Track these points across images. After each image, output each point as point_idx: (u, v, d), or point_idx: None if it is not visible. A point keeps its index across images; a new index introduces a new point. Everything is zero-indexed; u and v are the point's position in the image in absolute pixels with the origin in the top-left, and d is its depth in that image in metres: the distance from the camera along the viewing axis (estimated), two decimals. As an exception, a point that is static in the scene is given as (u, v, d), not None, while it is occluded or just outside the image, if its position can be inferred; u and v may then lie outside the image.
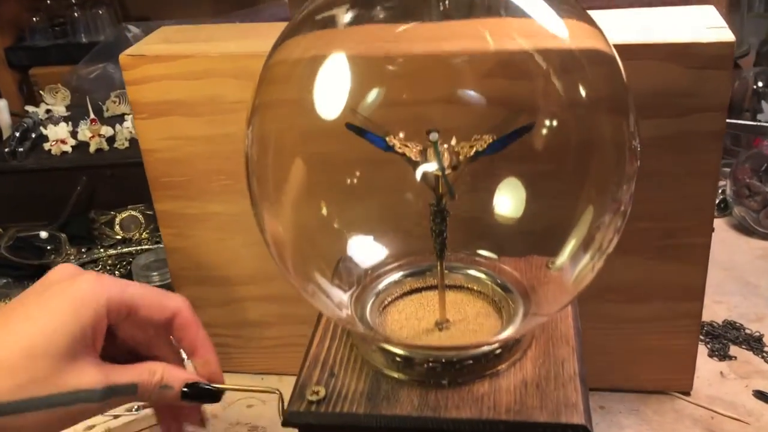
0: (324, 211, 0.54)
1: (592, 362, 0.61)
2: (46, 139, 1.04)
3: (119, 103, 1.15)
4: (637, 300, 0.69)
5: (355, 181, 0.53)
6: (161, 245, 0.86)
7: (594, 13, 0.66)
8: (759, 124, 0.88)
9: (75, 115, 1.14)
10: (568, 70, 0.52)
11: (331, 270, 0.54)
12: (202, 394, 0.51)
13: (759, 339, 0.78)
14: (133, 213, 0.98)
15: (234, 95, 0.66)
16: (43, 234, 0.95)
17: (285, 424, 0.49)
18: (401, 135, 0.48)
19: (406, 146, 0.48)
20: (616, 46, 0.59)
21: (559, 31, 0.52)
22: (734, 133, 1.08)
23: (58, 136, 1.02)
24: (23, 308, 0.46)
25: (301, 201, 0.53)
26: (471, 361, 0.49)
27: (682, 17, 0.63)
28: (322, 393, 0.49)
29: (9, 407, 0.43)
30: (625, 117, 0.52)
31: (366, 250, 0.57)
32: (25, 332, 0.44)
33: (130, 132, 1.04)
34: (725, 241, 0.95)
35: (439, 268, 0.53)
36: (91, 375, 0.45)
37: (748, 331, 0.79)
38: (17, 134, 1.06)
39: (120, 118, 1.11)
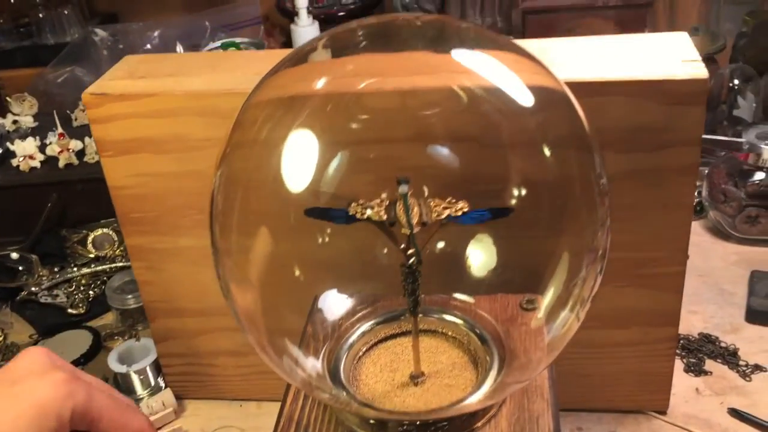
0: (295, 272, 0.53)
1: (569, 384, 0.61)
2: (13, 154, 1.01)
3: (88, 111, 1.12)
4: (614, 326, 0.69)
5: (327, 239, 0.52)
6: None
7: (564, 42, 0.65)
8: (732, 140, 0.87)
9: (43, 125, 1.11)
10: (527, 113, 0.51)
11: (299, 333, 0.54)
12: None
13: (734, 353, 0.79)
14: (106, 231, 0.97)
15: (201, 133, 0.65)
16: (14, 255, 0.94)
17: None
18: (362, 201, 0.47)
19: (371, 208, 0.47)
20: (586, 83, 0.59)
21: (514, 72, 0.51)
22: (710, 129, 1.08)
23: (26, 151, 1.00)
24: None
25: (267, 263, 0.52)
26: (446, 423, 0.49)
27: (656, 48, 0.62)
28: (298, 458, 0.49)
29: None
30: (589, 156, 0.51)
31: (337, 302, 0.56)
32: None
33: (100, 144, 1.02)
34: (701, 246, 0.95)
35: (413, 325, 0.52)
36: None
37: (723, 344, 0.80)
38: (-16, 150, 1.04)
39: (89, 129, 1.08)
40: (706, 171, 0.97)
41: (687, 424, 0.72)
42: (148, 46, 1.16)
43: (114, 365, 0.78)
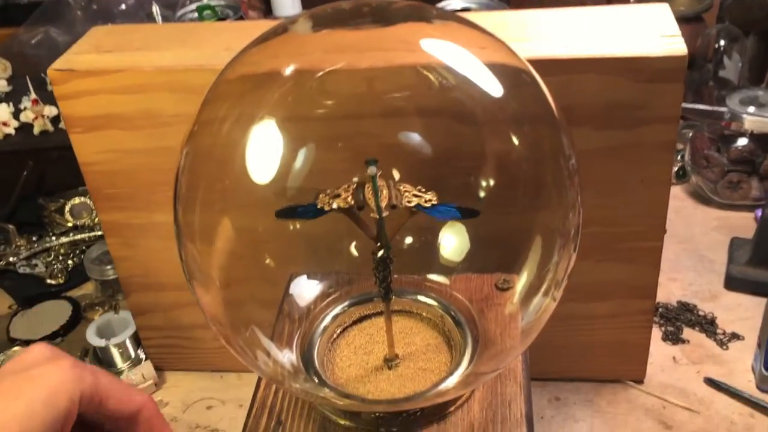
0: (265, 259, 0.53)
1: (546, 354, 0.62)
2: (-14, 121, 1.00)
3: (63, 73, 1.10)
4: (591, 299, 0.69)
5: (297, 225, 0.51)
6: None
7: (541, 15, 0.64)
8: (714, 109, 0.86)
9: (17, 89, 1.09)
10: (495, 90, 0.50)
11: (267, 323, 0.53)
12: None
13: (712, 321, 0.79)
14: (84, 199, 0.96)
15: (171, 109, 0.63)
16: (-9, 225, 0.93)
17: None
18: (329, 191, 0.47)
19: (339, 196, 0.47)
20: (562, 60, 0.57)
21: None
22: (696, 89, 1.07)
23: (0, 118, 0.98)
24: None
25: (232, 250, 0.51)
26: (419, 411, 0.49)
27: (634, 22, 0.60)
28: (270, 445, 0.49)
29: None
30: (557, 138, 0.51)
31: (309, 285, 0.56)
32: (2, 424, 0.43)
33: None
34: (682, 211, 0.94)
35: (385, 311, 0.52)
36: None
37: (701, 313, 0.80)
38: (-44, 116, 1.02)
39: (64, 93, 1.06)
40: (690, 134, 0.96)
41: (663, 393, 0.73)
42: (123, 6, 1.13)
43: (93, 339, 0.78)
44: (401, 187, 0.47)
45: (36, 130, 0.99)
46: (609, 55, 0.56)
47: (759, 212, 0.91)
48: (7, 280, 0.93)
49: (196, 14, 0.95)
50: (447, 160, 0.51)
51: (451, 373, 0.51)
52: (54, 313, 0.88)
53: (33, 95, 1.00)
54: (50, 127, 1.00)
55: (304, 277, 0.56)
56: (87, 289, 0.92)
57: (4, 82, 1.10)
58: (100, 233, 0.95)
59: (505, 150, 0.51)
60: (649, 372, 0.75)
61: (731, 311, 0.81)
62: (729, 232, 0.90)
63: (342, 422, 0.50)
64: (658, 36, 0.58)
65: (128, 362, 0.79)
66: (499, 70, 0.51)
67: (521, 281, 0.50)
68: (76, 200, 0.97)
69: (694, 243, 0.90)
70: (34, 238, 0.96)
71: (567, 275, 0.51)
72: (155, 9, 1.09)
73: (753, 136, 0.88)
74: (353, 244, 0.53)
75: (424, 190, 0.47)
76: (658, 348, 0.77)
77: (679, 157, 0.97)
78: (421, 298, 0.57)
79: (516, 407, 0.50)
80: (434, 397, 0.49)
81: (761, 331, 0.73)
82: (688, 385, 0.74)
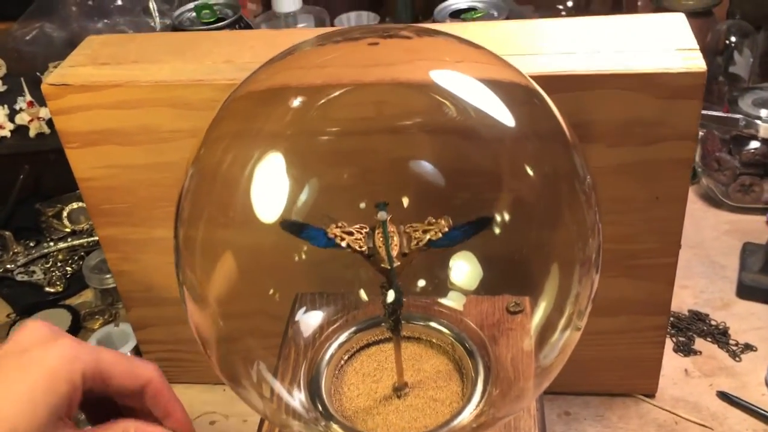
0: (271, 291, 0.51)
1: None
2: (-19, 123, 0.97)
3: (59, 73, 1.07)
4: (603, 314, 0.67)
5: (303, 256, 0.49)
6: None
7: (551, 25, 0.62)
8: (729, 116, 0.84)
9: (12, 88, 1.07)
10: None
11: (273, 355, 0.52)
12: None
13: (724, 332, 0.77)
14: (82, 204, 0.94)
15: (170, 124, 0.61)
16: (-13, 232, 0.91)
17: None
18: (341, 224, 0.45)
19: (351, 234, 0.45)
20: (576, 76, 0.55)
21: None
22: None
23: (-6, 121, 0.96)
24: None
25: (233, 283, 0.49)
26: (429, 446, 0.48)
27: (649, 34, 0.58)
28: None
29: None
30: (569, 160, 0.49)
31: (315, 311, 0.54)
32: (5, 412, 0.42)
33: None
34: (693, 214, 0.93)
35: (394, 341, 0.50)
36: None
37: (713, 322, 0.79)
38: (-50, 117, 1.00)
39: (60, 92, 1.04)
40: (701, 134, 0.94)
41: (675, 407, 0.72)
42: (119, 1, 1.10)
43: (92, 353, 0.76)
44: (410, 230, 0.45)
45: (32, 133, 0.97)
46: (626, 71, 0.54)
47: (772, 216, 0.89)
48: (4, 288, 0.91)
49: (194, 13, 0.93)
50: (454, 179, 0.49)
51: (463, 407, 0.50)
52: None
53: (28, 97, 0.97)
54: (47, 130, 0.97)
55: (310, 301, 0.54)
56: (86, 296, 0.90)
57: (-2, 81, 1.08)
58: (98, 238, 0.93)
59: (514, 177, 0.49)
60: (661, 385, 0.73)
61: (744, 320, 0.79)
62: (741, 236, 0.88)
63: (350, 459, 0.49)
64: (675, 50, 0.56)
65: (129, 376, 0.77)
66: (505, 88, 0.49)
67: (536, 318, 0.49)
68: (74, 205, 0.95)
69: (705, 248, 0.88)
70: (31, 244, 0.94)
71: (591, 301, 0.49)
72: (152, 4, 1.06)
73: (766, 139, 0.85)
74: (360, 272, 0.52)
75: (434, 220, 0.46)
76: (670, 360, 0.76)
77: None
78: (432, 324, 0.55)
79: (530, 442, 0.49)
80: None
81: (776, 344, 0.72)
82: (700, 399, 0.72)
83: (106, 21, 1.12)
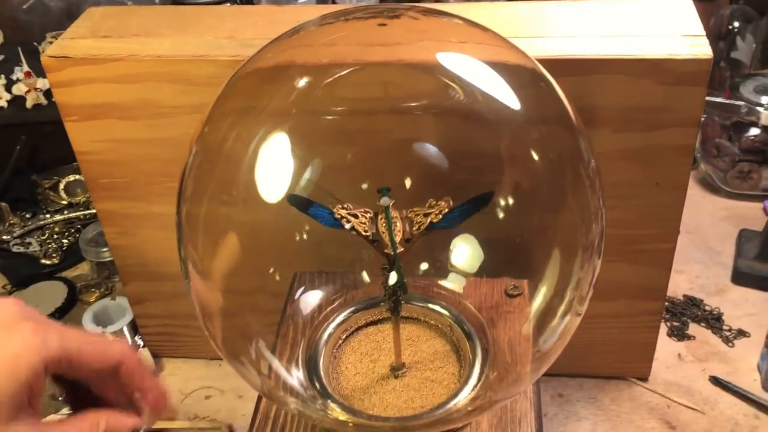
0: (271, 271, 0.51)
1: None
2: (-23, 93, 0.96)
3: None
4: (599, 298, 0.67)
5: (305, 236, 0.49)
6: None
7: (558, 9, 0.61)
8: (731, 102, 0.84)
9: (9, 57, 1.06)
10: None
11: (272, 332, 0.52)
12: None
13: (718, 318, 0.78)
14: (78, 176, 0.93)
15: (171, 99, 0.61)
16: (-17, 202, 0.91)
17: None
18: (347, 205, 0.45)
19: (356, 217, 0.45)
20: (583, 60, 0.55)
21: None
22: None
23: (-9, 91, 0.95)
24: None
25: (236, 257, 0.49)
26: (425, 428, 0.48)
27: (656, 19, 0.58)
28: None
29: None
30: (575, 144, 0.49)
31: (314, 290, 0.55)
32: None
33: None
34: (690, 200, 0.90)
35: (393, 323, 0.50)
36: None
37: (708, 308, 0.79)
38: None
39: (58, 62, 1.03)
40: (701, 119, 0.93)
41: (668, 391, 0.72)
42: (119, -29, 1.09)
43: (89, 326, 0.76)
44: (413, 214, 0.45)
45: (29, 104, 0.96)
46: (632, 56, 0.54)
47: (768, 203, 0.89)
48: (0, 260, 0.91)
49: (195, -14, 0.92)
50: (458, 162, 0.49)
51: (459, 388, 0.50)
52: (49, 294, 0.86)
53: (25, 67, 0.96)
54: (44, 101, 0.96)
55: (309, 280, 0.54)
56: (82, 269, 0.90)
57: (-5, 51, 1.07)
58: (95, 210, 0.93)
59: (519, 160, 0.49)
60: (654, 369, 0.74)
61: (738, 306, 0.80)
62: (737, 222, 0.89)
63: (347, 436, 0.49)
64: (681, 36, 0.56)
65: (125, 349, 0.77)
66: (511, 71, 0.49)
67: (536, 302, 0.49)
68: (71, 177, 0.94)
69: (702, 234, 0.88)
70: (27, 216, 0.94)
71: (592, 286, 0.50)
72: (152, -25, 1.05)
73: (766, 127, 0.85)
74: (362, 252, 0.52)
75: (435, 202, 0.45)
76: (664, 344, 0.76)
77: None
78: (431, 305, 0.55)
79: (526, 425, 0.49)
80: (443, 423, 0.47)
81: (769, 331, 0.72)
82: (693, 383, 0.73)
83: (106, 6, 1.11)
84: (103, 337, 0.48)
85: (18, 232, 0.91)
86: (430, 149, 0.48)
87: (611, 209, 0.57)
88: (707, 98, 0.86)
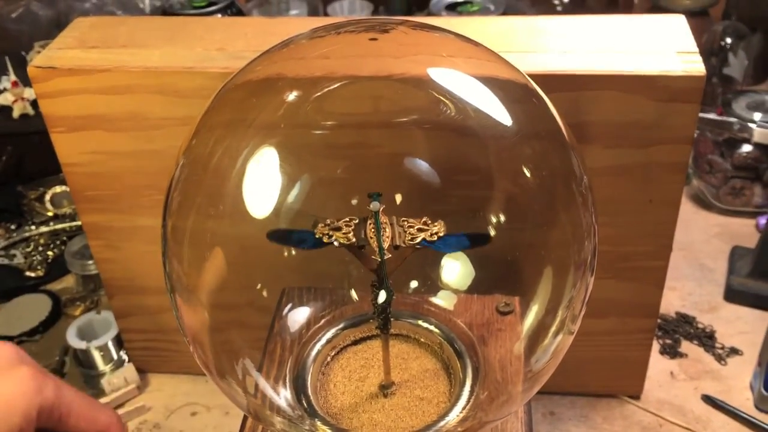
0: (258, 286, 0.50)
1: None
2: (-37, 103, 0.95)
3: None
4: (591, 315, 0.66)
5: (292, 251, 0.49)
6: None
7: (551, 21, 0.61)
8: (724, 119, 0.83)
9: (-3, 66, 1.05)
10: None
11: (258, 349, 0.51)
12: None
13: (710, 335, 0.77)
14: (65, 188, 0.92)
15: (159, 111, 0.60)
16: (-33, 213, 0.89)
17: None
18: (329, 221, 0.44)
19: (339, 230, 0.44)
20: (575, 76, 0.55)
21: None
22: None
23: (-23, 101, 0.94)
24: None
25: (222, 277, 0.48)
26: (415, 446, 0.47)
27: (649, 35, 0.57)
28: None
29: None
30: (567, 160, 0.48)
31: (301, 307, 0.54)
32: None
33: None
34: (683, 216, 0.91)
35: (382, 340, 0.49)
36: None
37: (700, 325, 0.78)
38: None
39: (46, 72, 1.02)
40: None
41: (660, 410, 0.72)
42: (108, -20, 1.08)
43: (74, 341, 0.75)
44: (404, 223, 0.44)
45: (15, 114, 0.95)
46: (625, 73, 0.54)
47: (761, 219, 0.89)
48: (-16, 271, 0.89)
49: (185, -2, 0.91)
50: (449, 177, 0.48)
51: (450, 407, 0.49)
52: (33, 307, 0.84)
53: (13, 76, 0.95)
54: (31, 111, 0.95)
55: (297, 296, 0.53)
56: (67, 282, 0.88)
57: (-18, 60, 1.05)
58: (81, 223, 0.92)
59: (510, 176, 0.48)
60: (646, 387, 0.73)
61: (730, 324, 0.79)
62: (730, 239, 0.88)
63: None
64: (675, 52, 0.55)
65: (110, 364, 0.76)
66: (503, 86, 0.48)
67: (528, 321, 0.48)
68: (57, 189, 0.93)
69: (694, 250, 0.88)
70: (12, 227, 0.92)
71: (585, 304, 0.49)
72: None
73: (759, 144, 0.85)
74: (350, 268, 0.51)
75: (429, 222, 0.45)
76: (656, 362, 0.76)
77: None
78: (421, 322, 0.54)
79: (518, 447, 0.48)
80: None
81: (762, 349, 0.71)
82: (685, 402, 0.72)
83: (94, 1, 1.10)
84: (94, 400, 0.48)
85: (2, 243, 0.90)
86: (421, 165, 0.47)
87: (603, 226, 0.56)
88: (701, 115, 0.86)
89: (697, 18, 1.06)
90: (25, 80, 0.97)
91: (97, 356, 0.75)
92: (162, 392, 0.76)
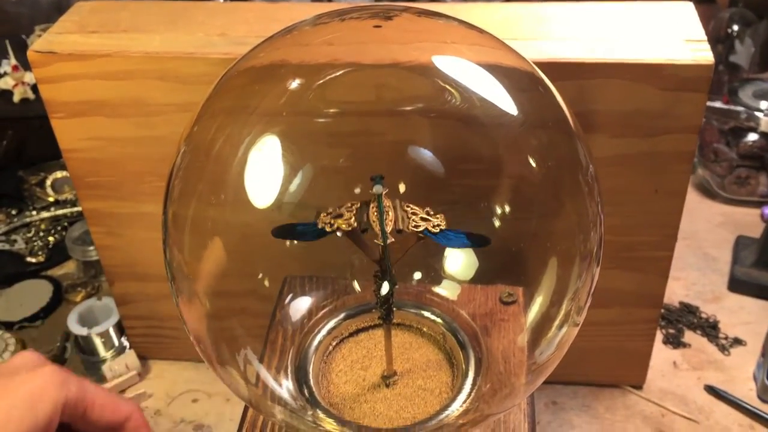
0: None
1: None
2: (-37, 87, 0.95)
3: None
4: (595, 305, 0.66)
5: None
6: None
7: (558, 8, 0.60)
8: (731, 108, 0.83)
9: (-3, 50, 1.04)
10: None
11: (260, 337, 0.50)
12: None
13: (714, 326, 0.77)
14: (66, 173, 0.92)
15: (160, 97, 0.59)
16: (-32, 198, 0.89)
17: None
18: (330, 210, 0.43)
19: (341, 216, 0.43)
20: (582, 64, 0.54)
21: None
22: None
23: (-23, 85, 0.93)
24: None
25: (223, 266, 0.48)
26: (417, 437, 0.47)
27: (657, 23, 0.57)
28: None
29: None
30: (573, 150, 0.48)
31: (304, 297, 0.53)
32: None
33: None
34: (687, 205, 0.88)
35: (384, 330, 0.49)
36: None
37: (704, 315, 0.78)
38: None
39: (46, 56, 1.01)
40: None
41: (662, 400, 0.71)
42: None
43: (75, 327, 0.75)
44: (408, 209, 0.44)
45: (16, 98, 0.94)
46: (632, 61, 0.53)
47: (766, 209, 0.88)
48: (-16, 257, 0.89)
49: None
50: (453, 166, 0.48)
51: (452, 398, 0.49)
52: (34, 293, 0.84)
53: (13, 60, 0.95)
54: (31, 95, 0.95)
55: (299, 284, 0.53)
56: (68, 268, 0.88)
57: (-18, 43, 1.05)
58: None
59: (515, 165, 0.48)
60: (649, 377, 0.73)
61: (734, 314, 0.79)
62: (734, 228, 0.88)
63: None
64: (683, 40, 0.54)
65: (111, 351, 0.76)
66: (508, 74, 0.48)
67: (532, 313, 0.47)
68: (58, 174, 0.93)
69: (698, 239, 0.87)
70: (13, 212, 0.92)
71: (591, 295, 0.49)
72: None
73: (765, 133, 0.84)
74: (353, 257, 0.50)
75: (432, 213, 0.44)
76: (659, 352, 0.75)
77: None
78: (424, 312, 0.54)
79: (520, 438, 0.48)
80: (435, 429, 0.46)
81: (766, 340, 0.71)
82: (688, 392, 0.72)
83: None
84: (116, 393, 0.49)
85: (3, 229, 0.90)
86: (425, 153, 0.47)
87: (608, 215, 0.55)
88: (707, 104, 0.85)
89: (703, 4, 1.04)
90: (25, 64, 0.96)
91: (98, 343, 0.75)
92: (163, 379, 0.76)
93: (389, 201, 0.45)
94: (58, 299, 0.84)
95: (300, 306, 0.54)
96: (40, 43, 0.59)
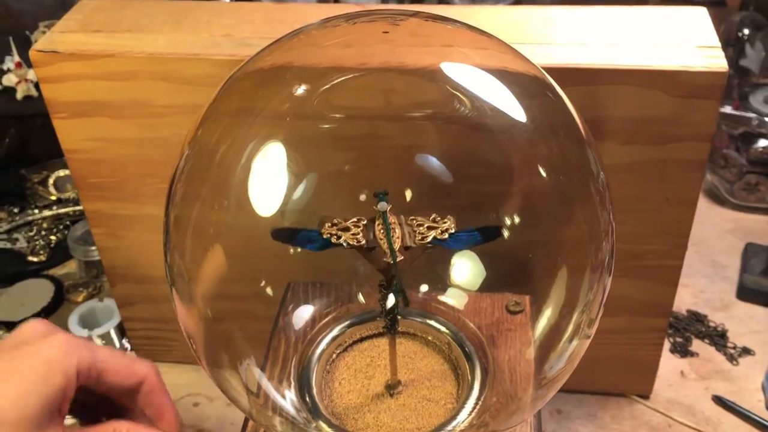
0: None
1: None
2: (-34, 84, 0.94)
3: (50, 33, 1.04)
4: (603, 313, 0.66)
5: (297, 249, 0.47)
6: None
7: (567, 12, 0.59)
8: (742, 114, 0.82)
9: (0, 47, 1.03)
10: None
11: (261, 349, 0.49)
12: None
13: (722, 335, 0.76)
14: (68, 172, 0.91)
15: (164, 99, 0.58)
16: (-31, 196, 0.88)
17: None
18: (336, 220, 0.43)
19: (347, 230, 0.42)
20: (593, 69, 0.53)
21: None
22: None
23: (-20, 82, 0.92)
24: None
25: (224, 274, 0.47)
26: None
27: (670, 29, 0.56)
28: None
29: None
30: (584, 157, 0.47)
31: (306, 305, 0.52)
32: None
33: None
34: (696, 211, 0.90)
35: (389, 339, 0.48)
36: None
37: (712, 324, 0.77)
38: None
39: (50, 53, 1.00)
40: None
41: (669, 410, 0.70)
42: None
43: (75, 329, 0.74)
44: (413, 222, 0.43)
45: (19, 95, 0.94)
46: (644, 67, 0.52)
47: (775, 216, 0.87)
48: (-15, 255, 0.88)
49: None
50: (461, 173, 0.47)
51: (457, 409, 0.48)
52: (35, 292, 0.83)
53: (16, 57, 0.94)
54: (34, 93, 0.94)
55: (302, 291, 0.52)
56: (70, 267, 0.87)
57: (-14, 40, 1.04)
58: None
59: (524, 172, 0.47)
60: (656, 387, 0.72)
61: (743, 323, 0.78)
62: (743, 236, 0.87)
63: (339, 460, 0.47)
64: (696, 47, 0.53)
65: (112, 353, 0.75)
66: (517, 80, 0.47)
67: (540, 326, 0.46)
68: (61, 172, 0.92)
69: (707, 246, 0.86)
70: (15, 210, 0.91)
71: (602, 306, 0.48)
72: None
73: (775, 138, 0.84)
74: (358, 264, 0.49)
75: (438, 218, 0.43)
76: (666, 361, 0.74)
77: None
78: (429, 321, 0.53)
79: (527, 454, 0.47)
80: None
81: (775, 351, 0.70)
82: (695, 402, 0.71)
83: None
84: (129, 355, 0.49)
85: (5, 227, 0.89)
86: (432, 159, 0.46)
87: (618, 223, 0.55)
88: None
89: (714, 8, 1.03)
90: (29, 61, 0.95)
91: (99, 344, 0.74)
92: (164, 382, 0.75)
93: (395, 217, 0.44)
94: (60, 299, 0.83)
95: (303, 313, 0.53)
96: (42, 42, 0.58)
